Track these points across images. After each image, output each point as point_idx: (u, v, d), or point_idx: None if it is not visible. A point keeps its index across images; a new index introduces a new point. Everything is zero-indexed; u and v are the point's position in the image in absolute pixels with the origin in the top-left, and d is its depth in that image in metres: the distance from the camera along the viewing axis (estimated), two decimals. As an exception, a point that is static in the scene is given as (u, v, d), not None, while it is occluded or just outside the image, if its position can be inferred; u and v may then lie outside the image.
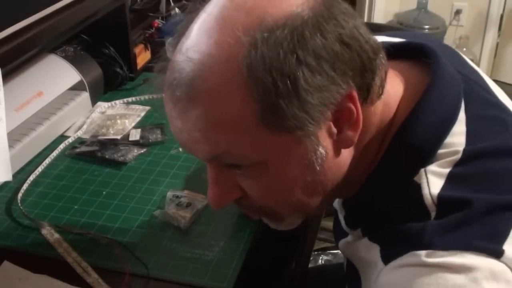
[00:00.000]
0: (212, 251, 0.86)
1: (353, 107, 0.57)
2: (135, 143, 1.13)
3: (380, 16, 3.12)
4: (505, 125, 0.61)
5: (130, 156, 1.08)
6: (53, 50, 1.22)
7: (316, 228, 1.20)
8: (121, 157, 1.08)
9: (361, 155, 0.62)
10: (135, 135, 1.15)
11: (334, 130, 0.58)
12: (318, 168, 0.58)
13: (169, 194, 0.97)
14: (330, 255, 1.91)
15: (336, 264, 1.53)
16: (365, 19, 3.10)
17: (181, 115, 0.57)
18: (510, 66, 3.12)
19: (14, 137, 1.04)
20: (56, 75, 1.20)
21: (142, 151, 1.11)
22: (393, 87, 0.63)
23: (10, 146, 1.00)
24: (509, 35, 3.09)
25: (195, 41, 0.56)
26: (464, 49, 2.99)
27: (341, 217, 0.72)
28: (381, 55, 0.59)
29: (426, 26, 2.91)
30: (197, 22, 0.57)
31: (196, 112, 0.55)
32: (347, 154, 0.61)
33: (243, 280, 0.83)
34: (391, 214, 0.60)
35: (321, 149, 0.57)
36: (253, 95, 0.53)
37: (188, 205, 0.94)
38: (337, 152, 0.59)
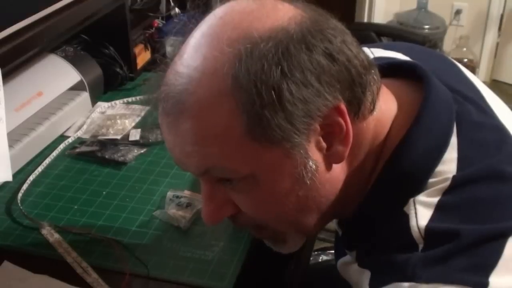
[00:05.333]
0: (212, 251, 0.86)
1: (342, 121, 0.57)
2: (135, 143, 1.13)
3: (380, 16, 3.12)
4: (498, 147, 0.60)
5: (130, 156, 1.08)
6: (53, 50, 1.22)
7: (316, 228, 1.20)
8: (121, 157, 1.08)
9: (355, 172, 0.62)
10: (135, 135, 1.15)
11: (324, 144, 0.58)
12: (308, 183, 0.58)
13: (169, 194, 0.97)
14: (330, 255, 1.91)
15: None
16: (365, 19, 3.11)
17: (172, 129, 0.58)
18: (510, 66, 3.12)
19: (14, 137, 1.04)
20: (56, 75, 1.20)
21: (142, 151, 1.11)
22: (387, 105, 0.63)
23: (10, 146, 0.99)
24: (509, 35, 3.09)
25: (184, 57, 0.58)
26: (464, 49, 3.00)
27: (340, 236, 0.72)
28: (373, 71, 0.59)
29: (426, 26, 2.91)
30: (188, 41, 0.59)
31: (185, 126, 0.56)
32: (339, 170, 0.61)
33: (243, 280, 0.83)
34: (382, 242, 0.60)
35: (311, 163, 0.57)
36: (239, 106, 0.54)
37: (188, 205, 0.94)
38: (328, 167, 0.59)
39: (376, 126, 0.61)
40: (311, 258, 1.18)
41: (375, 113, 0.60)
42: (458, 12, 3.06)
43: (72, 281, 0.80)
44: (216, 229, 0.91)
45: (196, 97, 0.55)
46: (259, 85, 0.53)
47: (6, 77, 1.00)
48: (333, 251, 2.01)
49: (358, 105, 0.58)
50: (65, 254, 0.85)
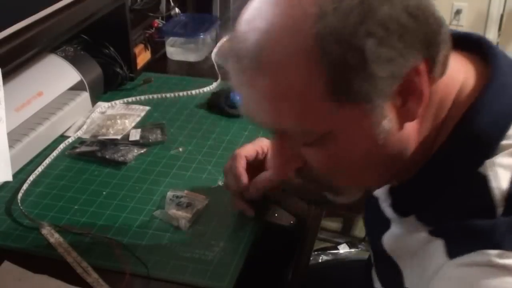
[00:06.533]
0: (212, 251, 0.86)
1: (419, 80, 0.56)
2: (135, 143, 1.13)
3: (380, 16, 3.11)
4: None
5: (130, 156, 1.08)
6: (53, 50, 1.22)
7: (316, 228, 1.20)
8: (121, 157, 1.08)
9: (422, 133, 0.61)
10: (135, 135, 1.15)
11: (399, 103, 0.57)
12: (381, 141, 0.57)
13: (169, 194, 0.97)
14: (330, 255, 1.91)
15: (337, 262, 1.53)
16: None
17: (247, 86, 0.57)
18: (510, 66, 3.12)
19: (14, 137, 1.04)
20: (56, 75, 1.20)
21: (142, 151, 1.11)
22: (454, 71, 0.61)
23: (10, 146, 0.99)
24: (509, 35, 3.09)
25: (259, 12, 0.56)
26: (464, 49, 2.99)
27: (384, 206, 0.70)
28: (444, 31, 0.58)
29: (426, 26, 2.90)
30: None
31: (262, 83, 0.55)
32: (409, 130, 0.60)
33: (243, 280, 0.83)
34: (454, 206, 0.58)
35: (386, 122, 0.57)
36: (321, 66, 0.53)
37: (188, 205, 0.94)
38: (400, 126, 0.58)
39: (443, 89, 0.60)
40: (311, 258, 1.18)
41: (444, 76, 0.59)
42: (458, 12, 3.07)
43: (72, 281, 0.80)
44: (216, 229, 0.91)
45: (275, 55, 0.54)
46: (343, 45, 0.52)
47: (6, 77, 1.00)
48: (333, 251, 2.02)
49: (432, 65, 0.57)
50: (65, 254, 0.85)
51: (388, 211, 0.69)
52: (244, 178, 0.90)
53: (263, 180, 0.90)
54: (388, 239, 0.70)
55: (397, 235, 0.68)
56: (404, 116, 0.58)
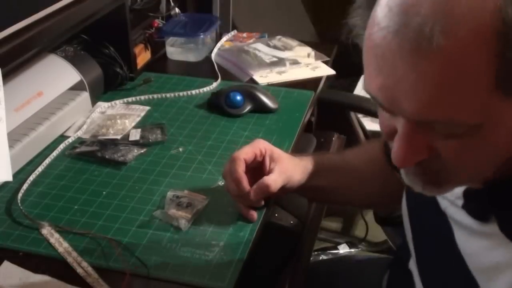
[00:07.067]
0: (212, 251, 0.86)
1: None
2: (135, 143, 1.13)
3: (380, 16, 3.11)
4: None
5: (130, 156, 1.08)
6: (53, 50, 1.22)
7: (316, 228, 1.20)
8: (121, 157, 1.08)
9: None
10: (135, 135, 1.15)
11: None
12: None
13: (169, 194, 0.97)
14: (330, 255, 1.92)
15: (337, 260, 1.53)
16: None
17: (406, 68, 0.51)
18: (510, 66, 3.12)
19: (14, 137, 1.04)
20: (56, 75, 1.20)
21: (142, 151, 1.11)
22: None
23: (10, 146, 0.99)
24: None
25: None
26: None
27: (448, 205, 0.67)
28: None
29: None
30: None
31: (429, 67, 0.49)
32: None
33: (243, 280, 0.83)
34: None
35: None
36: (499, 54, 0.48)
37: (188, 205, 0.94)
38: None
39: None
40: (311, 258, 1.18)
41: None
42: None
43: (72, 281, 0.80)
44: (216, 229, 0.91)
45: (452, 36, 0.48)
46: None
47: (6, 77, 1.00)
48: (333, 251, 2.02)
49: None
50: (65, 254, 0.85)
51: (454, 211, 0.66)
52: (245, 182, 0.90)
53: (263, 187, 0.90)
54: (465, 243, 0.66)
55: (479, 243, 0.63)
56: None
